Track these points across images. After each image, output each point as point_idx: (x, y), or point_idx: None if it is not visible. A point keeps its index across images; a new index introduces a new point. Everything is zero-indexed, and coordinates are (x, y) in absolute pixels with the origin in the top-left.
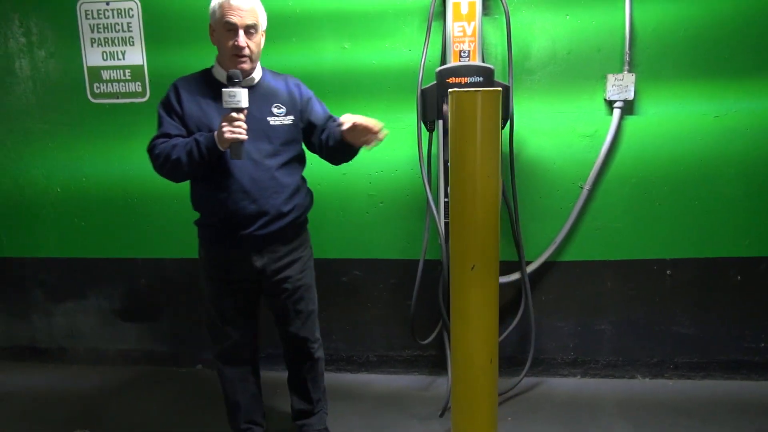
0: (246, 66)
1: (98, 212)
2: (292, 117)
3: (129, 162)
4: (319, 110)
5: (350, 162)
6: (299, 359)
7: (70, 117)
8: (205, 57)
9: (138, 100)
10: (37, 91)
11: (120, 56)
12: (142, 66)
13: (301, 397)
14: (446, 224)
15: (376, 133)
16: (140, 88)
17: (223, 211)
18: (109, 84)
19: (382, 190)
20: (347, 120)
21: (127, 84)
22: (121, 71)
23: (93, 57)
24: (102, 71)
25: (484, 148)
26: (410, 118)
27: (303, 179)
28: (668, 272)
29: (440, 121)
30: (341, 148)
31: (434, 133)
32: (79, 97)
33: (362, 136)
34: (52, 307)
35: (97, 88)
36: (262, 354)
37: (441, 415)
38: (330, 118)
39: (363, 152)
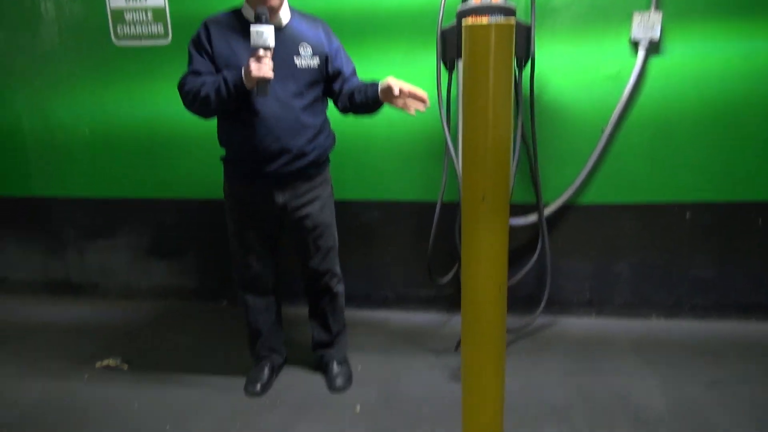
0: (275, 3)
1: (125, 154)
2: (317, 59)
3: (153, 104)
4: (345, 61)
5: None
6: (319, 293)
7: (95, 59)
8: None
9: (160, 42)
10: (62, 33)
11: None
12: (164, 8)
13: (322, 329)
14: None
15: (423, 101)
16: (162, 29)
17: (247, 148)
18: (132, 26)
19: (402, 133)
20: (395, 83)
21: (149, 26)
22: (143, 13)
23: None
24: (125, 13)
25: (497, 80)
26: (429, 59)
27: (326, 120)
28: (687, 216)
29: (460, 60)
30: (372, 106)
31: (453, 75)
32: (104, 39)
33: (402, 101)
34: (84, 244)
35: (121, 30)
36: (283, 289)
37: (456, 349)
38: (354, 73)
39: None
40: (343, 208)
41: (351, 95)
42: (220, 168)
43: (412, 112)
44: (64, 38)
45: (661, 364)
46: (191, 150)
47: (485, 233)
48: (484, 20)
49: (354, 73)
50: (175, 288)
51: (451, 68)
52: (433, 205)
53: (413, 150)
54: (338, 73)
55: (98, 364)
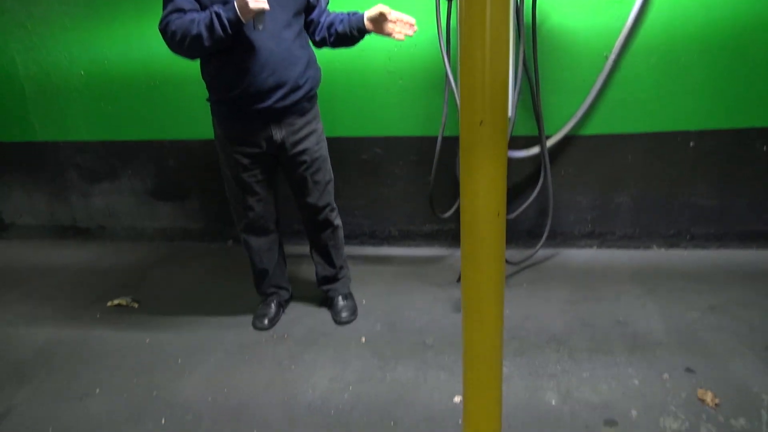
0: None
1: (123, 95)
2: None
3: (149, 44)
4: None
5: (368, 39)
6: (320, 228)
7: None
8: None
9: None
10: None
11: None
12: None
13: (325, 263)
14: None
15: (411, 26)
16: None
17: (241, 86)
18: None
19: (401, 67)
20: (386, 9)
21: None
22: None
23: None
24: None
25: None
26: None
27: (312, 52)
28: (691, 144)
29: None
30: (355, 37)
31: (453, 4)
32: None
33: (390, 28)
34: (89, 188)
35: None
36: (289, 228)
37: (458, 281)
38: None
39: None
40: (344, 145)
41: (330, 26)
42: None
43: (402, 37)
44: None
45: (660, 292)
46: (191, 90)
47: (483, 159)
48: None
49: (326, 5)
50: (181, 229)
51: None
52: (434, 140)
53: (413, 83)
54: (316, 3)
55: (109, 304)
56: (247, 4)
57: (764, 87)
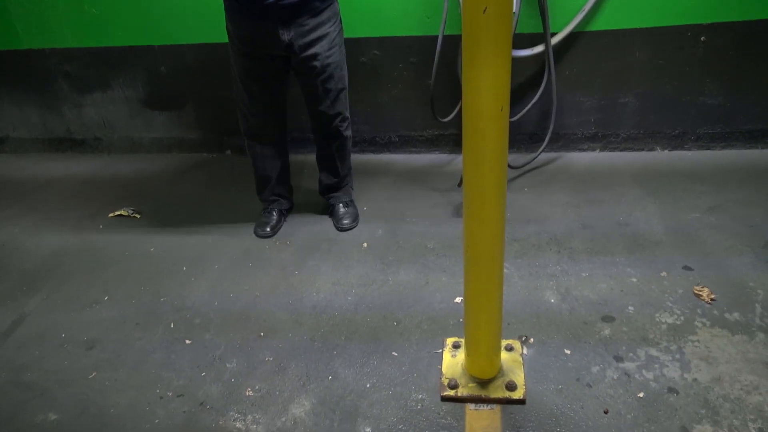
0: None
1: None
2: None
3: None
4: None
5: None
6: (329, 138)
7: None
8: None
9: None
10: None
11: None
12: None
13: (330, 173)
14: None
15: None
16: None
17: None
18: None
19: None
20: None
21: None
22: None
23: None
24: None
25: None
26: None
27: None
28: (702, 39)
29: None
30: None
31: None
32: None
33: None
34: (80, 98)
35: None
36: (290, 136)
37: (459, 185)
38: None
39: None
40: None
41: None
42: (216, 7)
43: None
44: None
45: (662, 193)
46: None
47: (487, 49)
48: None
49: None
50: (177, 140)
51: None
52: (434, 39)
53: None
54: None
55: (111, 214)
56: None
57: None
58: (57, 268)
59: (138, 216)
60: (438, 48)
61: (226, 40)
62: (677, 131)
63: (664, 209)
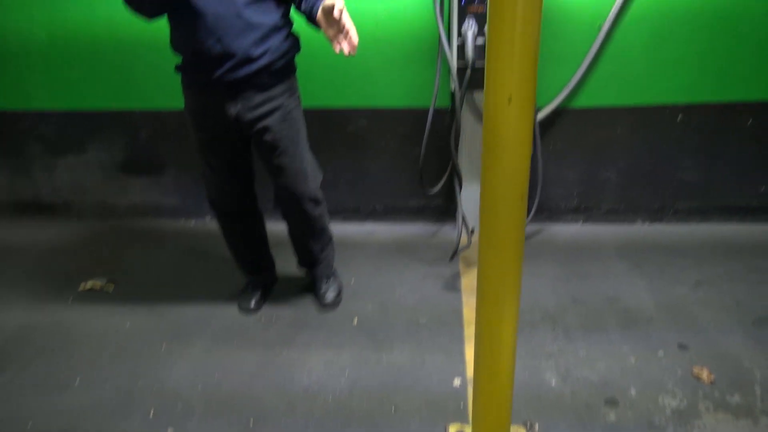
0: None
1: (89, 60)
2: None
3: (118, 5)
4: None
5: (355, 2)
6: (292, 216)
7: None
8: None
9: None
10: None
11: None
12: None
13: (302, 252)
14: (458, 68)
15: (351, 43)
16: None
17: (191, 52)
18: None
19: (389, 33)
20: (339, 6)
21: None
22: None
23: None
24: None
25: None
26: None
27: (284, 20)
28: (679, 117)
29: None
30: (311, 21)
31: None
32: None
33: (335, 31)
34: (53, 161)
35: None
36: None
37: (451, 259)
38: None
39: None
40: (328, 116)
41: (301, 1)
42: None
43: (337, 50)
44: None
45: (647, 267)
46: (163, 55)
47: (510, 139)
48: None
49: None
50: (154, 206)
51: None
52: (420, 112)
53: (402, 52)
54: None
55: (82, 287)
56: None
57: (751, 61)
58: (23, 347)
59: (111, 288)
60: (429, 121)
61: None
62: (657, 205)
63: (651, 284)
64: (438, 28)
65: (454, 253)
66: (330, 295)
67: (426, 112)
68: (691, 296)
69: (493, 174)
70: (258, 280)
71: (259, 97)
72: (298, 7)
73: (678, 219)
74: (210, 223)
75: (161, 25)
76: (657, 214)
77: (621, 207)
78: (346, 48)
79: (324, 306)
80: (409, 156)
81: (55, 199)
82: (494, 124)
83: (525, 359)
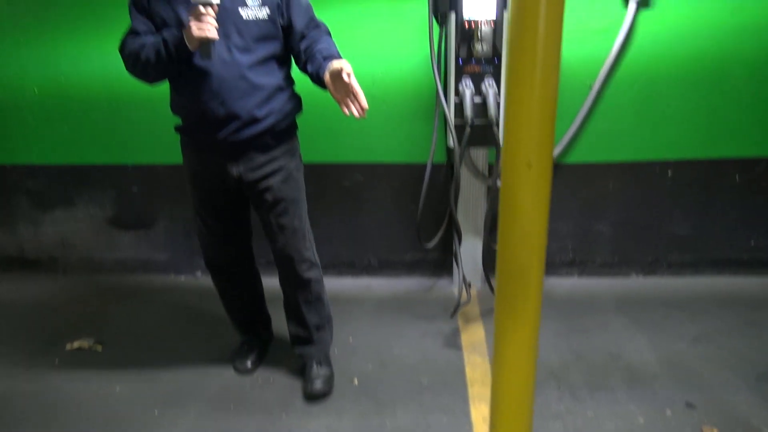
0: None
1: (81, 115)
2: (267, 10)
3: (113, 60)
4: (301, 12)
5: (352, 60)
6: (289, 280)
7: (43, 9)
8: None
9: None
10: None
11: None
12: None
13: (297, 323)
14: (456, 126)
15: (360, 106)
16: None
17: (194, 114)
18: None
19: (385, 91)
20: (347, 70)
21: None
22: None
23: None
24: None
25: (547, 37)
26: (416, 12)
27: (287, 81)
28: (669, 173)
29: (452, 13)
30: (318, 82)
31: (444, 28)
32: None
33: (343, 94)
34: (40, 216)
35: None
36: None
37: (452, 315)
38: (315, 27)
39: (367, 50)
40: (324, 172)
41: (308, 59)
42: None
43: (347, 113)
44: None
45: (645, 322)
46: (158, 110)
47: (529, 203)
48: None
49: (314, 26)
50: (143, 261)
51: (442, 22)
52: (414, 167)
53: (398, 109)
54: (289, 27)
55: (69, 347)
56: (191, 30)
57: (738, 119)
58: (4, 414)
59: (99, 348)
60: (426, 177)
61: None
62: (650, 258)
63: (651, 339)
64: (436, 86)
65: (455, 310)
66: (318, 384)
67: (419, 167)
68: (692, 351)
69: (511, 238)
70: (253, 340)
71: (261, 158)
72: (304, 68)
73: (672, 272)
74: (201, 279)
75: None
76: (651, 267)
77: (615, 260)
78: (356, 112)
79: (310, 394)
80: (403, 210)
81: (40, 254)
82: (513, 188)
83: (533, 421)
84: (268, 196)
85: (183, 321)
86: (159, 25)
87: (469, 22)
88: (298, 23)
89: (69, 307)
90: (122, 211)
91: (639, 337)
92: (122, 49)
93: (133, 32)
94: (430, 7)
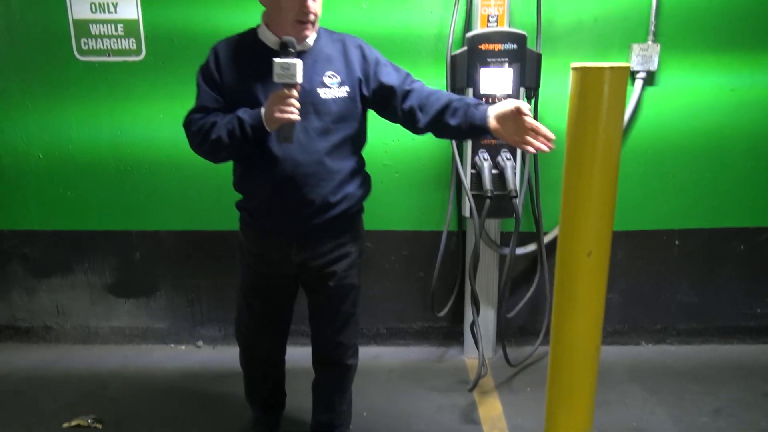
0: (309, 33)
1: (87, 181)
2: (347, 88)
3: (121, 126)
4: (392, 71)
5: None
6: (328, 364)
7: (53, 75)
8: (212, 11)
9: (132, 58)
10: (14, 44)
11: (111, 8)
12: (137, 20)
13: (325, 407)
14: (474, 196)
15: (549, 137)
16: (134, 45)
17: (260, 199)
18: (99, 39)
19: (398, 160)
20: (524, 108)
21: (119, 40)
22: (113, 26)
23: (80, 8)
24: (90, 25)
25: (608, 130)
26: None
27: (359, 163)
28: (676, 242)
29: (470, 89)
30: (473, 132)
31: None
32: (64, 53)
33: (523, 133)
34: (35, 283)
35: (85, 44)
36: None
37: (471, 389)
38: (412, 81)
39: (380, 120)
40: None
41: (440, 114)
42: (195, 197)
43: (533, 151)
44: (16, 50)
45: (662, 394)
46: (166, 176)
47: (587, 292)
48: (497, 47)
49: (411, 81)
50: (142, 329)
51: None
52: (423, 234)
53: (410, 178)
54: (390, 90)
55: (65, 425)
56: (273, 113)
57: (740, 190)
58: None
59: (99, 426)
60: (442, 246)
61: (208, 226)
62: (659, 326)
63: (672, 412)
64: (454, 157)
65: (474, 384)
66: None
67: (428, 234)
68: (713, 426)
69: (567, 324)
70: (266, 418)
71: (329, 245)
72: (431, 126)
73: (680, 340)
74: (202, 350)
75: (164, 148)
76: (659, 335)
77: (625, 328)
78: (544, 146)
79: None
80: (413, 278)
81: (33, 322)
82: (571, 275)
83: None
84: (331, 283)
85: (186, 393)
86: (229, 102)
87: (486, 96)
88: (395, 82)
89: (66, 381)
90: (123, 278)
91: (659, 411)
92: (188, 126)
93: (201, 108)
94: (448, 83)
